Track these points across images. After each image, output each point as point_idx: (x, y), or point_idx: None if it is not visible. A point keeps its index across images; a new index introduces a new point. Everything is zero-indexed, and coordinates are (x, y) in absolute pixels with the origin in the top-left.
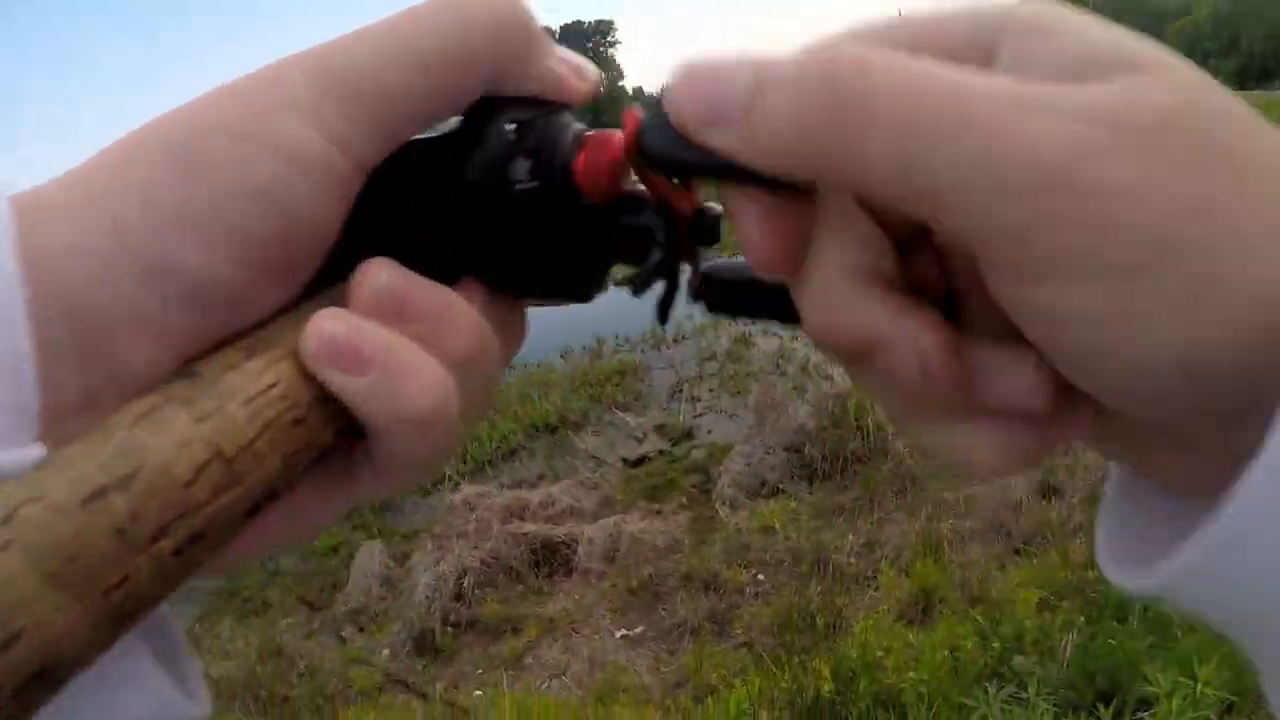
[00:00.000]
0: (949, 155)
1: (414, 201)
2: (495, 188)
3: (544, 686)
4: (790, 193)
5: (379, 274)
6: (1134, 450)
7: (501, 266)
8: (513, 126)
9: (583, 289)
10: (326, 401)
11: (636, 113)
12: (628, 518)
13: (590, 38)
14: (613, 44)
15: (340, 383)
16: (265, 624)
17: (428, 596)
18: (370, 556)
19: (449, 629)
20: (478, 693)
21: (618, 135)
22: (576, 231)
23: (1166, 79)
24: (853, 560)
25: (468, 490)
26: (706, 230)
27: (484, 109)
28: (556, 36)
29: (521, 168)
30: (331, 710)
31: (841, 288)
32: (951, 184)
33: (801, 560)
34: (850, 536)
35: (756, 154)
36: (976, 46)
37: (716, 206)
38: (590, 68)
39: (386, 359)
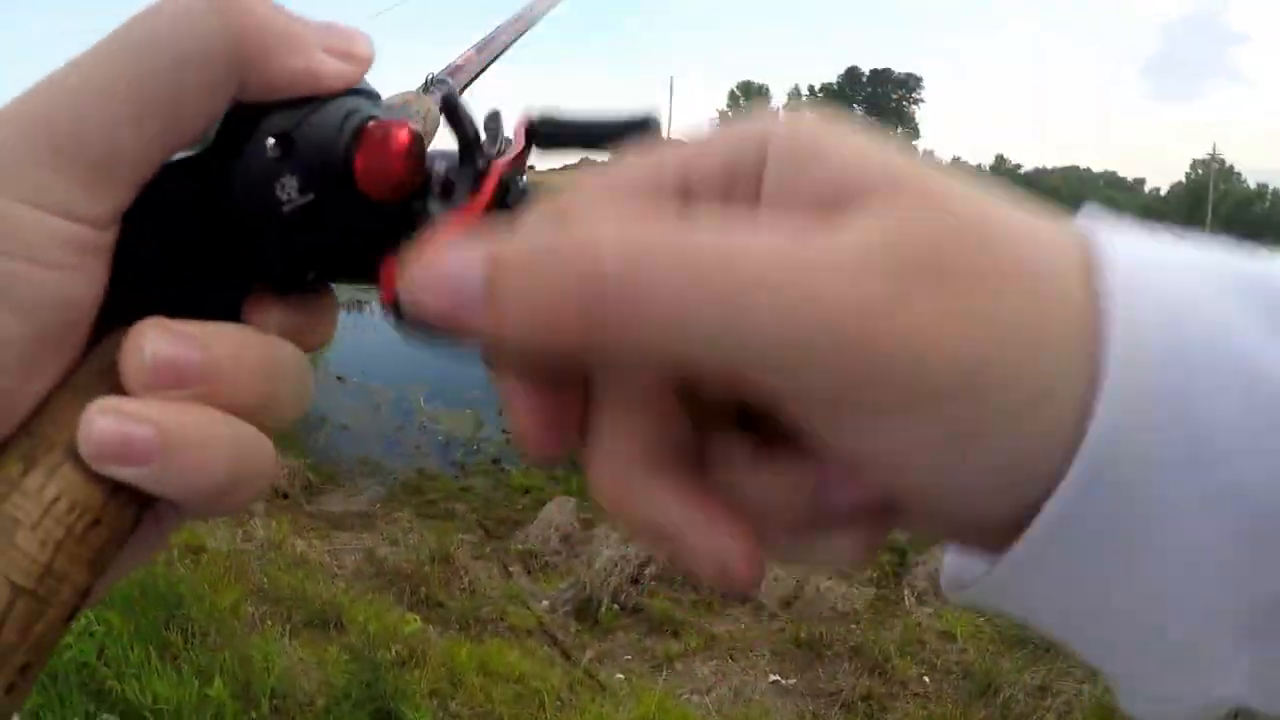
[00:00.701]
0: (727, 339)
1: (175, 238)
2: (263, 211)
3: (684, 697)
4: (559, 370)
5: (145, 345)
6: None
7: (290, 277)
8: (273, 141)
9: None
10: (120, 490)
11: (393, 274)
12: (817, 570)
13: (896, 89)
14: (917, 101)
15: (124, 474)
16: (443, 531)
17: (605, 569)
18: (559, 510)
19: (615, 607)
20: (619, 676)
21: (403, 128)
22: (369, 228)
23: (922, 203)
24: (1021, 698)
25: None
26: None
27: (238, 119)
28: (864, 79)
29: (290, 185)
30: (479, 632)
31: (628, 472)
32: (736, 363)
33: (971, 679)
34: (1027, 674)
35: (507, 342)
36: (742, 176)
37: (522, 180)
38: (362, 43)
39: (166, 441)
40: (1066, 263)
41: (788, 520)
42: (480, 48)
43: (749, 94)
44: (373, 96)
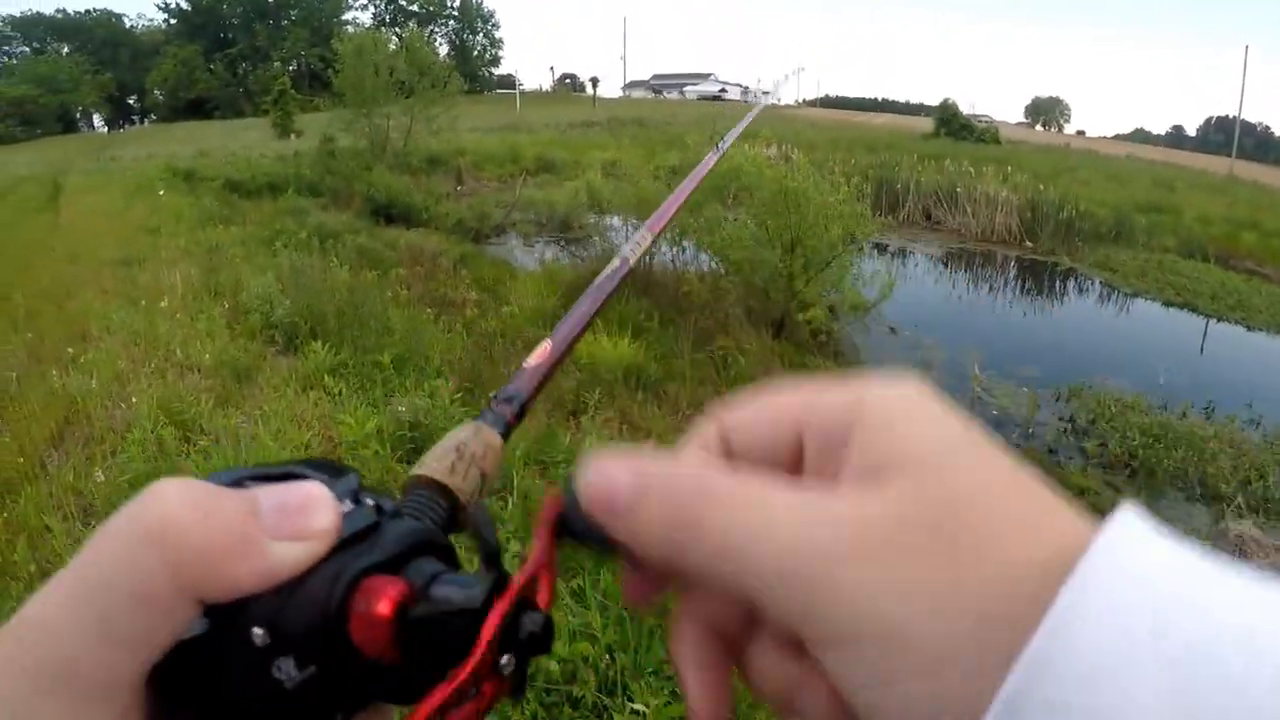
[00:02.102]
0: (744, 564)
1: (192, 713)
2: (266, 693)
3: None
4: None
5: None
6: None
7: None
8: (260, 632)
9: (409, 696)
10: None
11: (557, 497)
12: None
13: None
14: None
15: None
16: None
17: None
18: None
19: None
20: None
21: (384, 599)
22: (380, 673)
23: (932, 480)
24: None
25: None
26: (526, 644)
27: (221, 610)
28: None
29: (286, 666)
30: None
31: (677, 631)
32: (754, 587)
33: None
34: None
35: (635, 540)
36: (834, 438)
37: (539, 617)
38: (318, 514)
39: None
40: (1036, 569)
41: (798, 708)
42: (556, 336)
43: None
44: (363, 535)
